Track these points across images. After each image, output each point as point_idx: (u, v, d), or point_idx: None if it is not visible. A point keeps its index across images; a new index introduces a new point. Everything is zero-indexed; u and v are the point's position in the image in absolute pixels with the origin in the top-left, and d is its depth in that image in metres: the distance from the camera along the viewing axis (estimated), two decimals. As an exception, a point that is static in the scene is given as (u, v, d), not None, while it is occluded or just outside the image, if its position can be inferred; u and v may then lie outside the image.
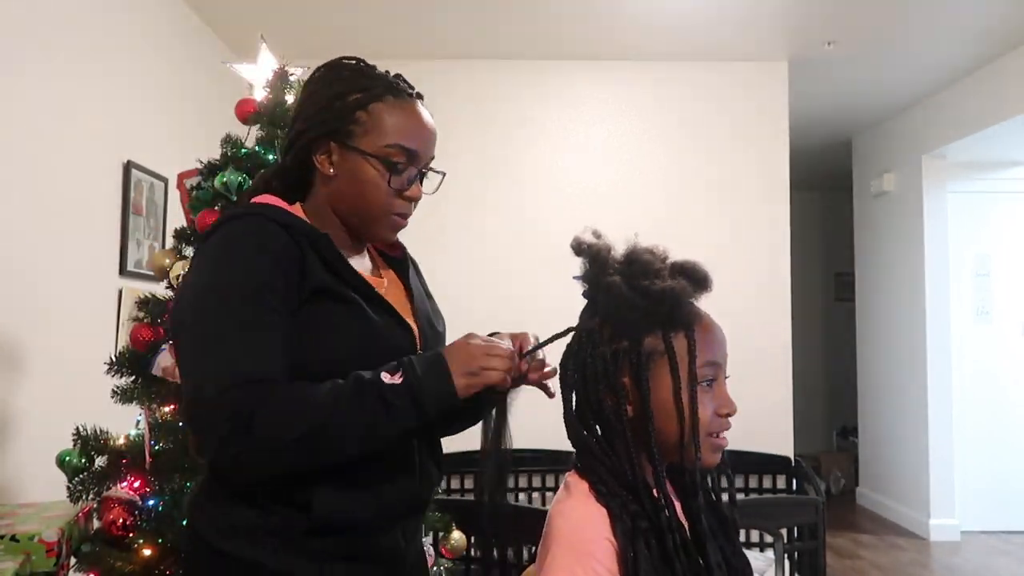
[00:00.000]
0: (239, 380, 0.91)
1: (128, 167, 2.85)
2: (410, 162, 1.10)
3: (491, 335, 1.06)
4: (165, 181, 3.10)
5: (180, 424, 1.72)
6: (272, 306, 0.97)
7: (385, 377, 0.95)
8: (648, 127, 4.09)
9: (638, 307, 0.93)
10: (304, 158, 1.11)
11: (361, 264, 1.16)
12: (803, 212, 6.59)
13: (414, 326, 1.14)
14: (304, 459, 0.94)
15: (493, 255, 3.97)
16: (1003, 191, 4.96)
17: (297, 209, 1.12)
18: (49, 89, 2.42)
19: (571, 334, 1.02)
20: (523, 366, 1.06)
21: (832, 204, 6.92)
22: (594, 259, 0.99)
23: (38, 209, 2.37)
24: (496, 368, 0.98)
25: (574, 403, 0.98)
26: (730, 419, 0.97)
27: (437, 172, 1.17)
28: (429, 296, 1.27)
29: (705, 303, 0.99)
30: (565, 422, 0.99)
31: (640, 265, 0.96)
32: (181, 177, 1.92)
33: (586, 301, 1.02)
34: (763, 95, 4.09)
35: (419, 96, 1.15)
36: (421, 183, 1.14)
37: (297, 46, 3.68)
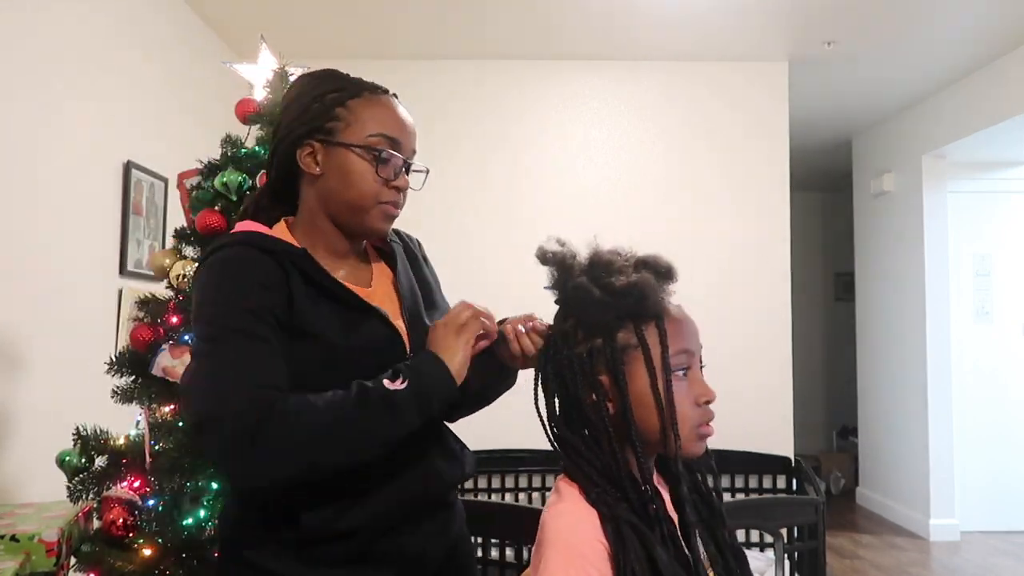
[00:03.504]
0: (248, 391, 0.94)
1: (128, 167, 2.85)
2: (394, 151, 1.12)
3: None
4: (165, 181, 3.10)
5: (180, 424, 1.72)
6: (265, 327, 1.00)
7: (388, 384, 1.00)
8: (648, 127, 4.09)
9: (606, 303, 0.95)
10: (288, 166, 1.14)
11: (355, 270, 1.17)
12: (803, 212, 6.59)
13: (402, 328, 1.15)
14: (315, 463, 0.96)
15: (493, 256, 3.96)
16: (1003, 191, 4.96)
17: (280, 229, 1.15)
18: (49, 89, 2.42)
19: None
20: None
21: (832, 204, 6.93)
22: (560, 265, 1.02)
23: (38, 209, 2.37)
24: (471, 331, 1.07)
25: (556, 406, 1.00)
26: (712, 407, 0.98)
27: (420, 170, 1.19)
28: (425, 283, 1.27)
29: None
30: (549, 425, 1.00)
31: (603, 264, 0.99)
32: (181, 177, 1.92)
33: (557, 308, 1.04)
34: (763, 95, 4.09)
35: (394, 95, 1.18)
36: (407, 175, 1.16)
37: (297, 46, 3.69)
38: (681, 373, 0.96)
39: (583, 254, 1.02)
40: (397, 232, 1.29)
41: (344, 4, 3.42)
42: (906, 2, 3.35)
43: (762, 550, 3.53)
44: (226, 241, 1.09)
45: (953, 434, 4.69)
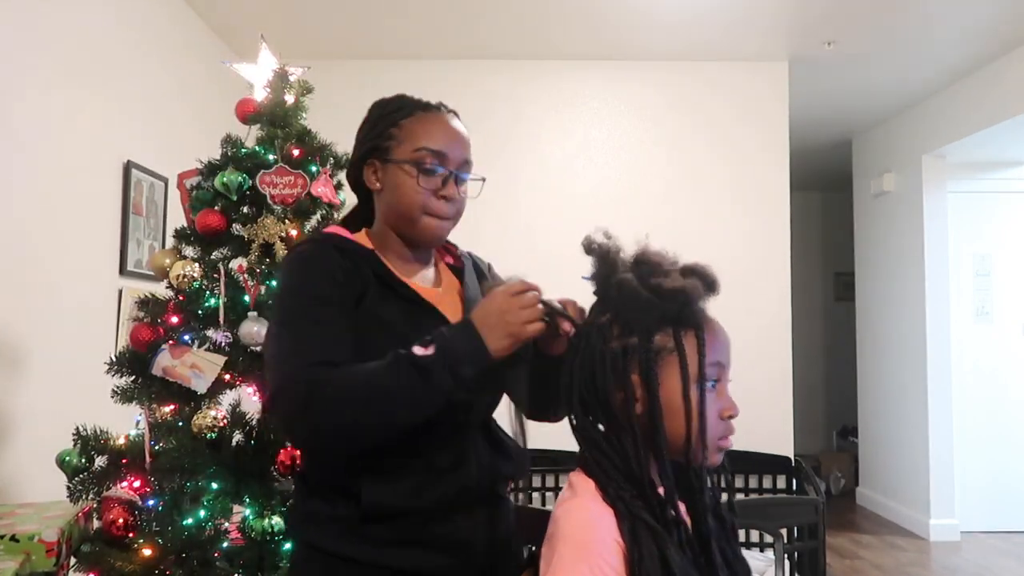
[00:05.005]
0: (306, 365, 1.05)
1: (128, 167, 2.85)
2: (440, 163, 1.21)
3: (506, 280, 1.11)
4: (165, 181, 3.10)
5: (180, 424, 1.72)
6: (329, 312, 1.11)
7: (417, 349, 1.04)
8: (648, 127, 4.09)
9: (650, 304, 0.94)
10: (359, 184, 1.27)
11: (421, 276, 1.27)
12: (803, 212, 6.59)
13: None
14: (359, 425, 1.04)
15: (492, 257, 3.96)
16: (1003, 191, 4.96)
17: (360, 235, 1.26)
18: (50, 89, 2.42)
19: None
20: (565, 325, 1.05)
21: (832, 204, 6.93)
22: (604, 258, 1.00)
23: (39, 209, 2.37)
24: (532, 319, 1.03)
25: (581, 398, 0.98)
26: (732, 422, 0.98)
27: (476, 179, 1.29)
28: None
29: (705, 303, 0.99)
30: (571, 416, 0.99)
31: (650, 265, 0.98)
32: (181, 177, 1.92)
33: (594, 300, 1.03)
34: (763, 95, 4.09)
35: (452, 111, 1.28)
36: (456, 185, 1.23)
37: (297, 46, 3.69)
38: (711, 384, 0.95)
39: (629, 250, 1.01)
40: (469, 253, 1.42)
41: (344, 4, 3.42)
42: (906, 2, 3.35)
43: (762, 550, 3.53)
44: (307, 240, 1.25)
45: (953, 434, 4.69)
